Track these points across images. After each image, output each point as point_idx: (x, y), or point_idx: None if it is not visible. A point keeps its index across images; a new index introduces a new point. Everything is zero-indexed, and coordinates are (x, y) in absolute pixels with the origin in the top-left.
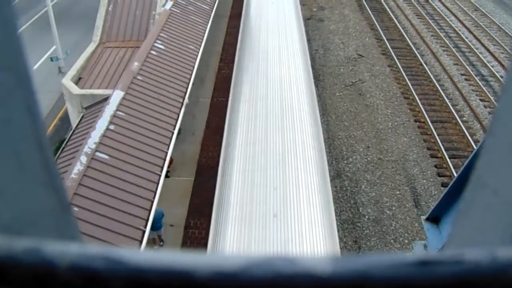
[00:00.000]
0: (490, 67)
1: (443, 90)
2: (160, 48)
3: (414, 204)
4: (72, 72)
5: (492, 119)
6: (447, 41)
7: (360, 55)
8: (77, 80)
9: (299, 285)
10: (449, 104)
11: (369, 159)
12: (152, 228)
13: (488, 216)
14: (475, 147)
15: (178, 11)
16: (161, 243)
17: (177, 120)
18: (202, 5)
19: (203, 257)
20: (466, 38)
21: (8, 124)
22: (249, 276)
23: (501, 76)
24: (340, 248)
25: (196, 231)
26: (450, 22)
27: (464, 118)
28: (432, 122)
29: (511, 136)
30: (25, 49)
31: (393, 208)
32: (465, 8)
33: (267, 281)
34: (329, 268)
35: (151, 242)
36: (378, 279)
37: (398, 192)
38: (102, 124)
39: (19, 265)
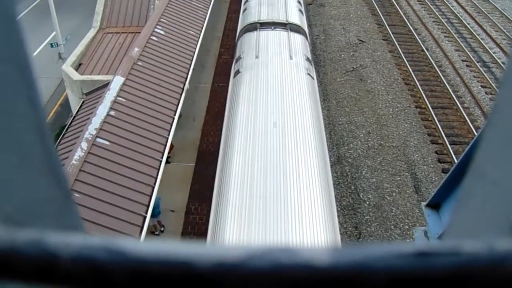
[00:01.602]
0: (492, 53)
1: (444, 76)
2: (161, 34)
3: (414, 190)
4: (72, 58)
5: (492, 110)
6: (448, 27)
7: (361, 40)
8: (77, 66)
9: (299, 275)
10: (450, 90)
11: (369, 144)
12: (151, 215)
13: (487, 206)
14: (476, 133)
15: None
16: (162, 229)
17: (177, 105)
18: None
19: (204, 248)
20: (468, 24)
21: (10, 115)
22: (249, 267)
23: (503, 63)
24: (341, 233)
25: (197, 216)
26: (452, 8)
27: (465, 104)
28: (433, 108)
29: (510, 127)
30: (26, 40)
31: (394, 194)
32: None
33: (267, 272)
34: (328, 259)
35: (152, 228)
36: (377, 269)
37: (398, 178)
38: (102, 110)
39: (22, 256)
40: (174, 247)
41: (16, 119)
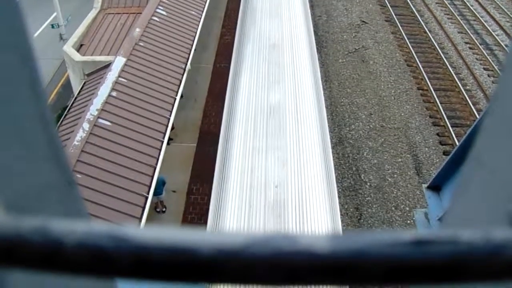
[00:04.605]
0: (495, 36)
1: (446, 58)
2: (162, 14)
3: (415, 172)
4: (74, 39)
5: (491, 99)
6: (451, 9)
7: (363, 21)
8: (79, 47)
9: (299, 262)
10: (452, 72)
11: (371, 126)
12: (153, 193)
13: (485, 195)
14: (477, 116)
15: None
16: (164, 209)
17: (179, 86)
18: None
19: (205, 235)
20: (471, 6)
21: (13, 103)
22: (250, 253)
23: (506, 45)
24: (342, 215)
25: (198, 197)
26: None
27: (468, 87)
28: (435, 90)
29: (509, 117)
30: (29, 28)
31: (395, 175)
32: None
33: (267, 259)
34: (328, 246)
35: (154, 204)
36: (375, 257)
37: (400, 160)
38: (104, 90)
39: (27, 244)
40: (176, 233)
41: (18, 107)
